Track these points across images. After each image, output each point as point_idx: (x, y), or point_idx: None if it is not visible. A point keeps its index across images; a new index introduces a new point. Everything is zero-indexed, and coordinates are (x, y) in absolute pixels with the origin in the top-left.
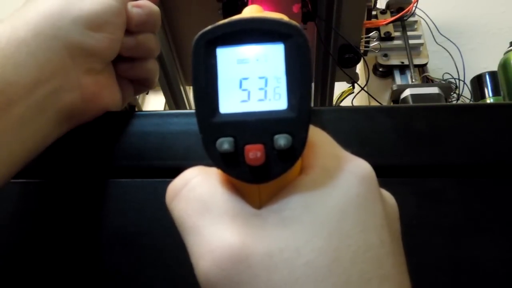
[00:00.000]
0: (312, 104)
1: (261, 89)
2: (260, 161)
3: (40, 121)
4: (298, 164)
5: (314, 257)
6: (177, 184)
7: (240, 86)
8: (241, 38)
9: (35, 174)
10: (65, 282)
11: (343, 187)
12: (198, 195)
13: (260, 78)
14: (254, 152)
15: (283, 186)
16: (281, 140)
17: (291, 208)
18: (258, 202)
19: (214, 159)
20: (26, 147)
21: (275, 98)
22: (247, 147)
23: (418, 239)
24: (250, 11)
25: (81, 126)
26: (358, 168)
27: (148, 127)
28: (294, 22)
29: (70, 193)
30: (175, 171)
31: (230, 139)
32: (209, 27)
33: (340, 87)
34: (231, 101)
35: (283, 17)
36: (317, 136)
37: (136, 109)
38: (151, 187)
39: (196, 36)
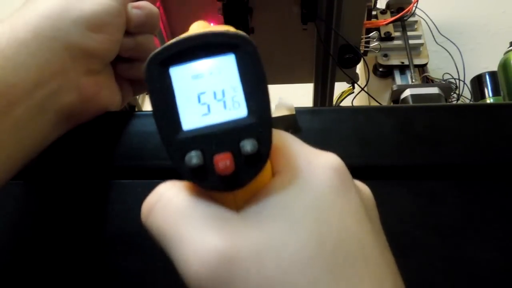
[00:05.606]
0: (312, 104)
1: (219, 100)
2: (230, 169)
3: (39, 122)
4: (268, 166)
5: (299, 247)
6: (151, 200)
7: (199, 101)
8: (192, 55)
9: (34, 174)
10: (66, 282)
11: (316, 181)
12: (175, 206)
13: (217, 90)
14: (223, 162)
15: (257, 190)
16: (248, 145)
17: (270, 207)
18: (235, 208)
19: (185, 174)
20: (25, 148)
21: (234, 107)
22: (216, 157)
23: (418, 239)
24: (197, 27)
25: (81, 126)
26: (327, 162)
27: (148, 127)
28: (241, 32)
29: (69, 193)
30: (175, 171)
31: (198, 152)
32: (158, 48)
33: (340, 87)
34: (193, 116)
35: (230, 29)
36: (283, 139)
37: (136, 109)
38: (151, 187)
39: (147, 60)
